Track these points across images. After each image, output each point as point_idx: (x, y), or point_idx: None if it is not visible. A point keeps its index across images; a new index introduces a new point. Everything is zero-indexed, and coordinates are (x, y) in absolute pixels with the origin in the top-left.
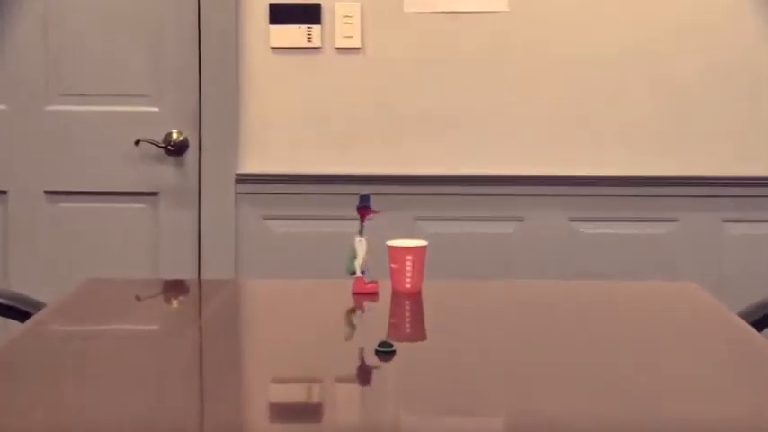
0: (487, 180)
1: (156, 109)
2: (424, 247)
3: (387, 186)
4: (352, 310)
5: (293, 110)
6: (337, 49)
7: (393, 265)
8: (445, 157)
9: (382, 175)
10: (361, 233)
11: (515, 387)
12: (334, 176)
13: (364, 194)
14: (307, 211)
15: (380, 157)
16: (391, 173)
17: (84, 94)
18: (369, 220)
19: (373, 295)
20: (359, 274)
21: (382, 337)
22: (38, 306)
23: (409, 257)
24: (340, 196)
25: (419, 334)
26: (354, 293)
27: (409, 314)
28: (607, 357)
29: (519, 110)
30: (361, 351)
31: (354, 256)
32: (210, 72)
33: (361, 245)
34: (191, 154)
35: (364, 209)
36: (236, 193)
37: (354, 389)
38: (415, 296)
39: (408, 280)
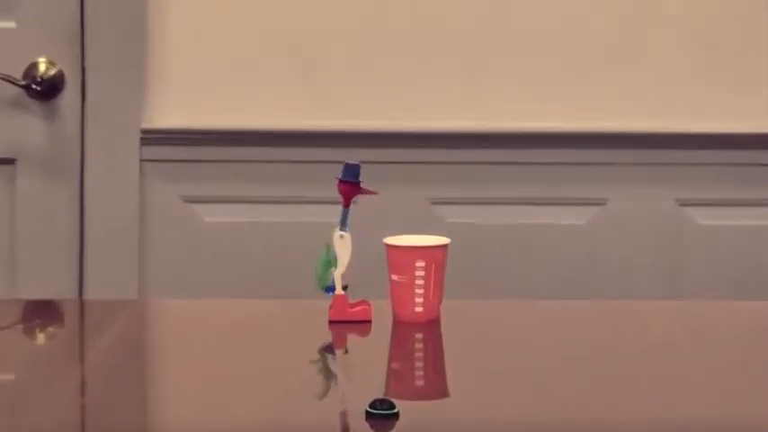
0: (546, 140)
1: (11, 24)
2: (444, 246)
3: (383, 150)
4: (328, 349)
5: (232, 29)
6: None
7: (395, 277)
8: (476, 104)
9: (375, 132)
10: (343, 225)
11: None
12: (297, 134)
13: (351, 162)
14: (253, 188)
15: (371, 103)
16: (389, 128)
17: None
18: (355, 203)
19: (363, 325)
20: (339, 290)
21: (378, 392)
22: None
23: (420, 264)
24: (306, 166)
25: (435, 388)
26: (333, 321)
27: (421, 355)
28: None
29: (594, 27)
30: (345, 414)
31: (331, 262)
32: None
33: (342, 243)
34: (68, 97)
35: (350, 186)
36: (142, 161)
37: None
38: (430, 326)
39: (419, 300)
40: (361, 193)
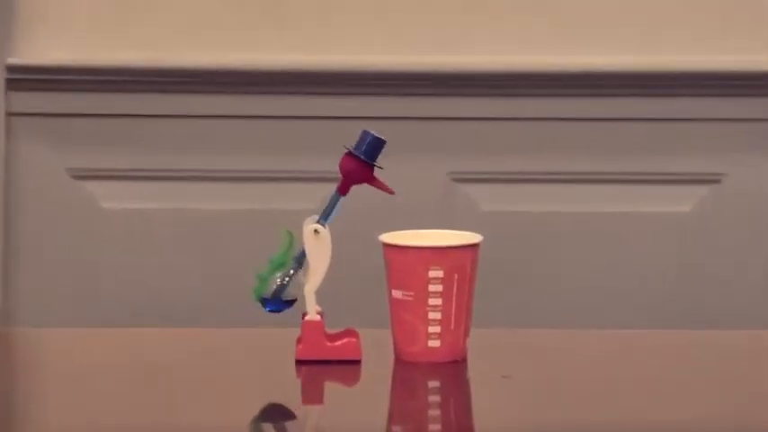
0: (631, 83)
1: None
2: (472, 247)
3: (380, 99)
4: (294, 404)
5: None
6: None
7: (397, 293)
8: (520, 31)
9: (368, 72)
10: (325, 216)
11: None
12: (249, 75)
13: (374, 135)
14: (176, 158)
15: (360, 29)
16: (390, 66)
17: None
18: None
19: (349, 367)
20: (312, 314)
21: None
22: None
23: (437, 274)
24: (261, 123)
25: None
26: (302, 361)
27: (437, 414)
28: None
29: None
30: None
31: (287, 262)
32: None
33: (318, 242)
34: None
35: (360, 166)
36: (9, 114)
37: None
38: (451, 370)
39: (434, 330)
40: (371, 182)
